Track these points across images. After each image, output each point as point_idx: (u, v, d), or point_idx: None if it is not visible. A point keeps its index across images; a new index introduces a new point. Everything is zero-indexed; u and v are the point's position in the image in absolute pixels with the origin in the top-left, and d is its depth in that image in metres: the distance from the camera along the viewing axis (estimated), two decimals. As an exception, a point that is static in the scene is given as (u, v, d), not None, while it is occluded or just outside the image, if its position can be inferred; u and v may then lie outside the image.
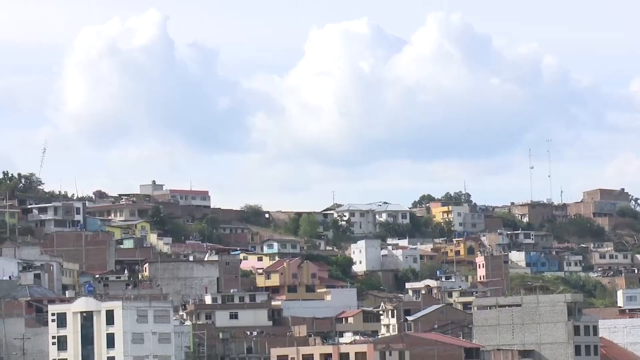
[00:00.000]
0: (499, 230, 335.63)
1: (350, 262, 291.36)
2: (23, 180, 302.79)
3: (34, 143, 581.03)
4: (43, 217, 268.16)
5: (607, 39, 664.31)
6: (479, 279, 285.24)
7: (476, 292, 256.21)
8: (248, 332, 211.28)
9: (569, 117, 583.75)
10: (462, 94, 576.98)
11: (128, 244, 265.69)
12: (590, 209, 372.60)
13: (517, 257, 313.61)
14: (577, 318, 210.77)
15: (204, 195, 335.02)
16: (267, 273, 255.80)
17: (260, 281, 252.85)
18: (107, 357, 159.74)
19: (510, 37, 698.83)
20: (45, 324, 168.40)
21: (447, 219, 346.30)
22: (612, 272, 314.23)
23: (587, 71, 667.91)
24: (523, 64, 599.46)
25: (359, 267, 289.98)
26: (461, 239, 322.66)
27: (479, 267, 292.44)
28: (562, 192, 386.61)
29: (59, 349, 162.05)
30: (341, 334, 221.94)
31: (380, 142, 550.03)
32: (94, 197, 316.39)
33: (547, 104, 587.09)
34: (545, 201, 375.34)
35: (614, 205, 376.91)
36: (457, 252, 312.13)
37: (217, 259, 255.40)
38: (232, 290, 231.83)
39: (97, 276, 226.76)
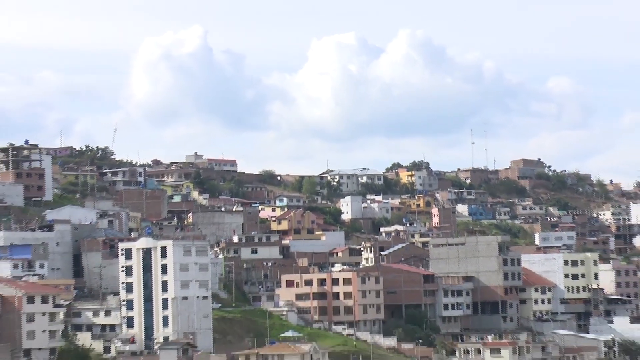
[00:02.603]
0: (448, 189, 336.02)
1: (339, 212, 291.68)
2: (100, 152, 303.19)
3: (109, 124, 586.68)
4: (114, 178, 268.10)
5: (531, 49, 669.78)
6: (434, 225, 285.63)
7: (432, 234, 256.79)
8: (265, 263, 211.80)
9: (502, 106, 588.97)
10: (424, 89, 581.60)
11: (177, 198, 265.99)
12: (515, 173, 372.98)
13: (462, 209, 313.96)
14: (505, 253, 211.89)
15: (233, 162, 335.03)
16: (279, 220, 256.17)
17: (274, 226, 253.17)
18: (162, 281, 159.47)
19: (459, 48, 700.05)
20: (116, 256, 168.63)
21: (411, 181, 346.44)
22: (531, 220, 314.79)
23: (517, 72, 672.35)
24: (469, 67, 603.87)
25: (346, 216, 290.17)
26: (421, 195, 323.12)
27: (434, 216, 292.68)
28: (495, 161, 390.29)
29: (126, 275, 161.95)
30: (333, 265, 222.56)
31: (364, 124, 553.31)
32: (152, 164, 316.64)
33: (487, 96, 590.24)
34: (482, 168, 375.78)
35: (533, 171, 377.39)
36: (418, 205, 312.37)
37: (242, 209, 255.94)
38: (253, 233, 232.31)
39: (154, 222, 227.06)
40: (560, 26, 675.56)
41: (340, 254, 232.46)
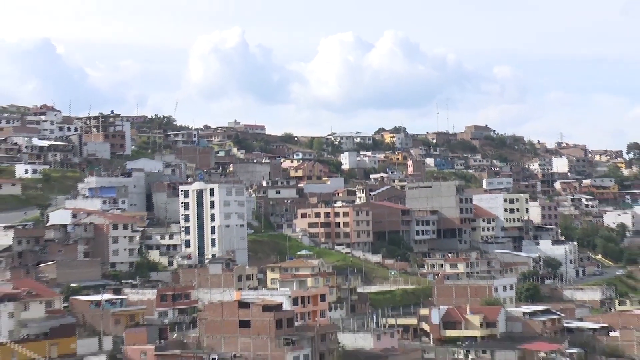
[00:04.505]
0: (420, 147, 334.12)
1: (340, 163, 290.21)
2: (165, 119, 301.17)
3: (173, 99, 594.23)
4: (176, 139, 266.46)
5: (482, 44, 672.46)
6: (409, 173, 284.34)
7: (407, 180, 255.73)
8: (285, 200, 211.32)
9: (460, 87, 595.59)
10: (404, 75, 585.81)
11: (221, 153, 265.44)
12: (469, 135, 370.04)
13: (430, 161, 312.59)
14: (461, 194, 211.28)
15: (262, 127, 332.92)
16: (296, 169, 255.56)
17: (292, 173, 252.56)
18: (210, 213, 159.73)
19: (429, 44, 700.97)
20: (177, 195, 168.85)
21: (392, 141, 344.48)
22: (480, 170, 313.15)
23: (471, 62, 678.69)
24: (436, 58, 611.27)
25: (345, 166, 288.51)
26: (400, 151, 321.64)
27: (409, 167, 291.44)
28: (454, 127, 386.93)
29: (184, 209, 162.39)
30: (335, 202, 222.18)
31: (359, 100, 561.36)
32: (203, 128, 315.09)
33: (449, 80, 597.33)
34: (445, 132, 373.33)
35: (482, 134, 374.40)
36: (398, 159, 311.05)
37: (269, 162, 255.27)
38: (276, 178, 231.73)
39: (205, 170, 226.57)
40: (503, 28, 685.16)
41: (340, 194, 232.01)
